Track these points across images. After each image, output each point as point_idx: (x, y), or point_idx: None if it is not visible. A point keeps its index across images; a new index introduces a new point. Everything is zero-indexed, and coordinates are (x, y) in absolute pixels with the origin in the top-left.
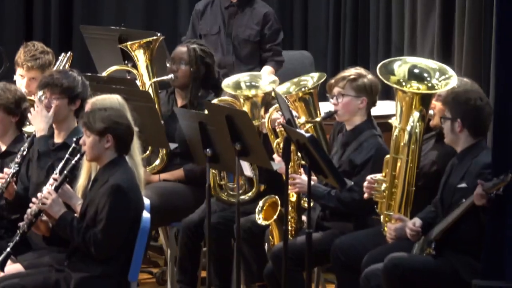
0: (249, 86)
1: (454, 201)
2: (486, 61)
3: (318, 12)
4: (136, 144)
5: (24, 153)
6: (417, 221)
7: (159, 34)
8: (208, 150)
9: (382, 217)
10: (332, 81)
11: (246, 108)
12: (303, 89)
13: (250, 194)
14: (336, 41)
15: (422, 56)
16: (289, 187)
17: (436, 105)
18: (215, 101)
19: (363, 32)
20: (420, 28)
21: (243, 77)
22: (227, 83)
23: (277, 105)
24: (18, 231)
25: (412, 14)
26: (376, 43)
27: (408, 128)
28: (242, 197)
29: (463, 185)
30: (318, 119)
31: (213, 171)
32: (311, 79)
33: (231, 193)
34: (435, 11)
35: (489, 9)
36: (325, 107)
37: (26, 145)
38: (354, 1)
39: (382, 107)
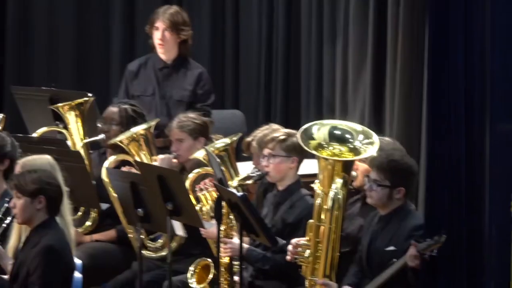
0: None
1: (384, 263)
2: (418, 118)
3: (249, 71)
4: (66, 205)
5: None
6: None
7: (90, 95)
8: (139, 210)
9: (307, 282)
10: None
11: (132, 149)
12: (218, 146)
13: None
14: (268, 100)
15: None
16: (221, 250)
17: (358, 165)
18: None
19: (294, 90)
20: (351, 84)
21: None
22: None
23: (198, 170)
24: None
25: (344, 70)
26: (308, 100)
27: (331, 194)
28: (164, 253)
29: (392, 248)
30: (250, 181)
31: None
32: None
33: (153, 247)
34: (366, 67)
35: (421, 65)
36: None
37: None
38: (285, 59)
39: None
